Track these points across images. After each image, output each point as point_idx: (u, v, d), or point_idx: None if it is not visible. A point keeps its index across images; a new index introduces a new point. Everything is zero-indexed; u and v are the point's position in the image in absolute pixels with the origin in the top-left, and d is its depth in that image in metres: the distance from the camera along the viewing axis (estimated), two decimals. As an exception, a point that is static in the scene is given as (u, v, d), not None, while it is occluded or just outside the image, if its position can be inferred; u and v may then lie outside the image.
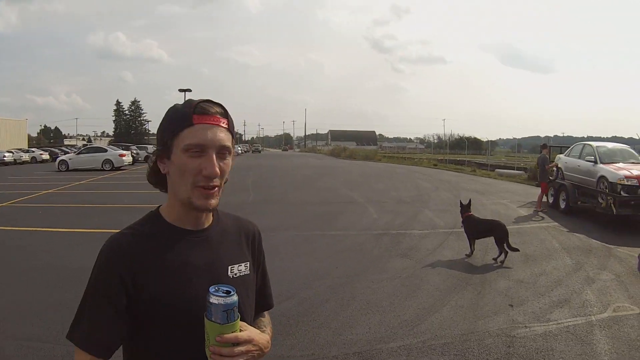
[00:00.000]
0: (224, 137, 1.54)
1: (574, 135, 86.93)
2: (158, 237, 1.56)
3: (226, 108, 1.60)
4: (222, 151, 1.54)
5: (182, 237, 1.58)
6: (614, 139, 44.64)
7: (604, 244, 10.66)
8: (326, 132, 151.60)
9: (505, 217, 13.80)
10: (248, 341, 1.48)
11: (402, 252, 9.60)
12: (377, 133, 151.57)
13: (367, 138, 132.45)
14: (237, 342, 1.45)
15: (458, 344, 5.38)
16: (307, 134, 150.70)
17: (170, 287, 1.50)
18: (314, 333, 5.64)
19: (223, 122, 1.55)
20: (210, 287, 1.45)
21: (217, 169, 1.51)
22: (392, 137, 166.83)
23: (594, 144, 16.04)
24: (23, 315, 6.20)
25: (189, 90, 60.76)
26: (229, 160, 1.58)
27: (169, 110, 1.58)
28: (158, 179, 1.64)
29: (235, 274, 1.65)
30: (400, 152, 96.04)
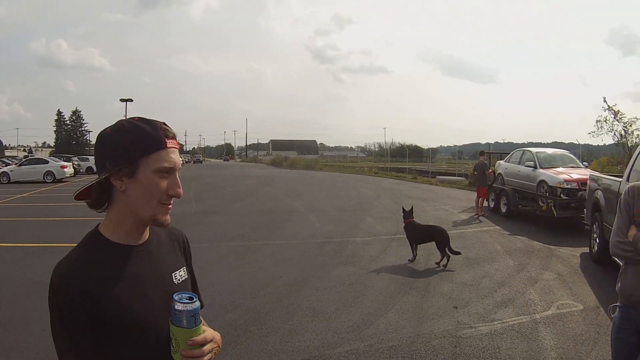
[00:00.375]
0: (179, 159, 1.64)
1: (515, 142, 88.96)
2: (105, 256, 1.57)
3: None
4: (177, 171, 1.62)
5: (127, 253, 1.61)
6: (555, 144, 45.81)
7: (545, 245, 11.04)
8: (267, 141, 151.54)
9: (447, 222, 14.21)
10: (212, 340, 1.57)
11: (346, 259, 9.69)
12: (318, 142, 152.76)
13: (309, 147, 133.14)
14: (205, 343, 1.53)
15: (405, 346, 5.49)
16: (248, 143, 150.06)
17: (129, 302, 1.53)
18: (262, 341, 5.66)
19: (177, 145, 1.63)
20: (174, 295, 1.51)
21: (181, 190, 1.61)
22: (333, 146, 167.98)
23: (534, 149, 16.58)
24: None
25: (130, 100, 59.98)
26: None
27: (129, 127, 1.58)
28: (101, 196, 1.62)
29: (179, 280, 1.72)
30: (342, 160, 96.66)
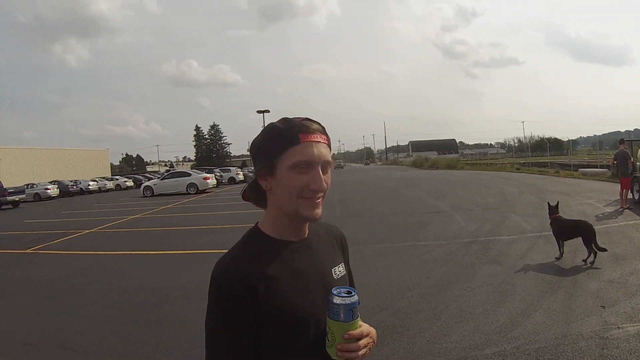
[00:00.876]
0: (326, 152, 1.64)
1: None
2: (266, 251, 1.62)
3: (323, 125, 1.71)
4: (325, 165, 1.64)
5: (288, 248, 1.66)
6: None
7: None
8: (407, 143, 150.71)
9: (592, 216, 13.56)
10: (368, 334, 1.61)
11: (492, 258, 9.58)
12: (457, 141, 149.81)
13: (448, 146, 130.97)
14: (361, 337, 1.57)
15: (552, 347, 5.38)
16: (387, 146, 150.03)
17: (291, 296, 1.58)
18: (409, 343, 5.77)
19: (323, 139, 1.65)
20: (333, 290, 1.57)
21: (324, 183, 1.62)
22: (472, 143, 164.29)
23: None
24: (117, 334, 6.71)
25: (267, 112, 61.42)
26: (329, 173, 1.68)
27: (267, 129, 1.67)
28: (258, 196, 1.73)
29: (338, 275, 1.77)
30: (482, 158, 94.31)
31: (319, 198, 1.64)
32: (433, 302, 7.19)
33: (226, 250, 1.67)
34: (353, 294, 1.55)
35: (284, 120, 1.65)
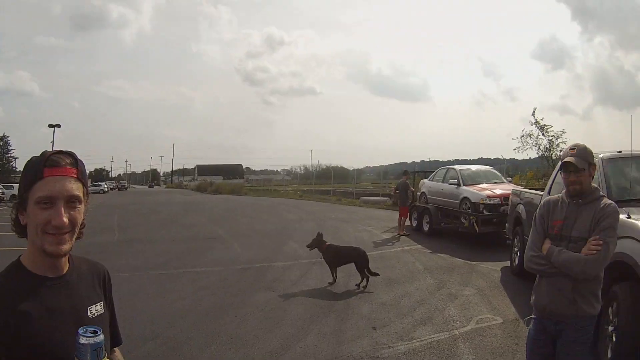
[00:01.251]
0: (73, 187, 1.62)
1: (442, 160, 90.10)
2: (22, 286, 1.59)
3: (76, 156, 1.69)
4: (72, 200, 1.61)
5: (44, 285, 1.62)
6: (481, 160, 46.84)
7: (467, 261, 11.37)
8: (193, 166, 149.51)
9: (369, 242, 14.46)
10: None
11: (266, 284, 9.74)
12: (244, 166, 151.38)
13: (234, 171, 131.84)
14: None
15: (322, 370, 5.58)
16: (174, 169, 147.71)
17: (41, 334, 1.55)
18: (177, 373, 5.66)
19: (73, 172, 1.63)
20: (79, 329, 1.53)
21: (65, 219, 1.59)
22: (259, 169, 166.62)
23: (458, 167, 17.01)
24: None
25: (58, 126, 59.40)
26: (81, 207, 1.65)
27: (27, 163, 1.63)
28: (22, 229, 1.67)
29: (94, 314, 1.74)
30: (267, 184, 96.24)
31: (64, 233, 1.61)
32: (204, 329, 7.12)
33: None
34: (99, 333, 1.54)
35: (42, 154, 1.64)
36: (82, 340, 1.51)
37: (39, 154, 1.65)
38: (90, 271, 1.85)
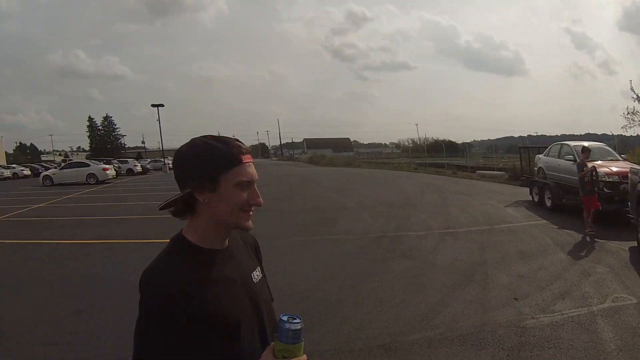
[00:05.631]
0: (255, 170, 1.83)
1: (548, 134, 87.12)
2: (195, 260, 1.70)
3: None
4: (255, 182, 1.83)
5: (216, 257, 1.75)
6: (588, 136, 44.72)
7: (594, 238, 11.04)
8: (301, 140, 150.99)
9: (496, 216, 14.25)
10: None
11: (403, 252, 9.92)
12: (351, 140, 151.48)
13: (343, 145, 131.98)
14: None
15: (473, 335, 5.71)
16: (282, 142, 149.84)
17: (223, 301, 1.67)
18: (337, 329, 5.97)
19: (252, 159, 1.82)
20: (282, 315, 1.64)
21: (260, 198, 1.79)
22: (366, 143, 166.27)
23: (572, 143, 16.34)
24: (40, 322, 6.59)
25: (162, 105, 61.54)
26: None
27: (204, 147, 1.74)
28: (185, 207, 1.78)
29: (256, 279, 1.90)
30: (378, 157, 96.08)
31: (252, 210, 1.78)
32: (352, 292, 7.41)
33: (151, 253, 1.76)
34: (300, 321, 1.62)
35: (218, 139, 1.77)
36: (289, 326, 1.58)
37: (207, 139, 1.77)
38: (244, 240, 2.01)
